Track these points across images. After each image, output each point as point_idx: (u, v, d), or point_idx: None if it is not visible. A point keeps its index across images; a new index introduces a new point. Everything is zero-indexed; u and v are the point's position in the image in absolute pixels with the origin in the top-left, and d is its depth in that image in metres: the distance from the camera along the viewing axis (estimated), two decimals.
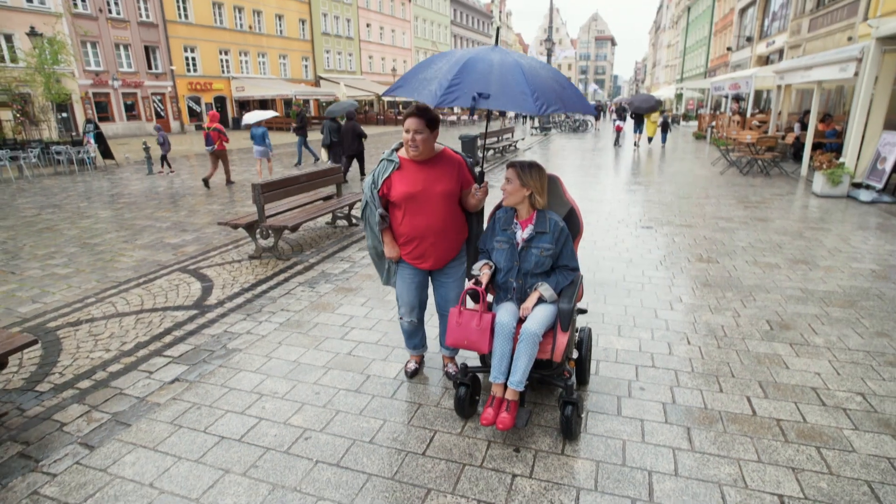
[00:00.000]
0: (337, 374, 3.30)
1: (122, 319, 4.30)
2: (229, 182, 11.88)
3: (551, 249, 2.50)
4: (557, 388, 2.90)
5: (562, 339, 2.39)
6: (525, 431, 2.61)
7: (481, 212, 2.93)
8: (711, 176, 12.00)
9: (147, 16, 28.30)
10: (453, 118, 39.81)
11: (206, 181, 11.47)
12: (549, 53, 31.33)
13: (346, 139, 11.26)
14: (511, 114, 45.28)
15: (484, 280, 2.53)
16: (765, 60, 24.40)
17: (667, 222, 7.32)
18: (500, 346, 2.39)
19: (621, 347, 3.50)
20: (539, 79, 2.42)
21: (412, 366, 3.23)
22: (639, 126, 18.83)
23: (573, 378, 2.64)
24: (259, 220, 5.89)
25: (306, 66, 39.18)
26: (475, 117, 38.74)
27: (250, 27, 34.20)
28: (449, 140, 20.15)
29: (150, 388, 3.20)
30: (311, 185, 6.78)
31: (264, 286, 5.04)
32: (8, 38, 22.45)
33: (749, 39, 27.68)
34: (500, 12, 75.69)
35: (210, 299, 4.73)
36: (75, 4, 25.07)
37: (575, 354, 2.67)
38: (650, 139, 19.76)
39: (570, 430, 2.42)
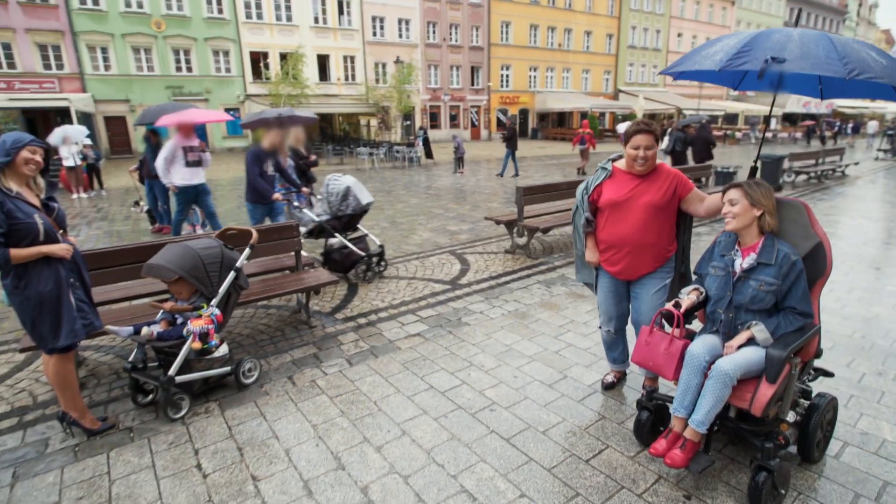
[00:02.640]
0: (538, 366, 3.53)
1: (399, 282, 5.49)
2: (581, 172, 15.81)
3: (774, 285, 2.14)
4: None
5: (765, 390, 2.03)
6: (705, 482, 2.32)
7: (689, 234, 2.80)
8: None
9: (477, 41, 33.35)
10: (741, 134, 33.31)
11: (579, 170, 16.02)
12: None
13: (696, 146, 11.70)
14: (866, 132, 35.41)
15: (685, 304, 2.35)
16: None
17: None
18: (686, 377, 2.20)
19: (891, 439, 2.62)
20: (852, 49, 2.24)
21: (610, 378, 3.20)
22: None
23: (790, 447, 2.21)
24: (517, 220, 6.52)
25: (607, 80, 39.35)
26: (797, 135, 31.72)
27: (559, 45, 36.40)
28: (740, 160, 17.10)
29: (399, 335, 4.09)
30: (570, 192, 7.05)
31: (508, 278, 5.59)
32: (382, 66, 29.97)
33: None
34: (860, 6, 58.95)
35: (463, 280, 5.55)
36: (428, 36, 31.55)
37: (791, 418, 2.19)
38: None
39: (757, 501, 2.05)
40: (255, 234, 3.51)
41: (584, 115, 34.94)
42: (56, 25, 21.79)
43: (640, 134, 2.58)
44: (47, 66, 21.93)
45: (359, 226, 5.70)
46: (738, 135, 33.86)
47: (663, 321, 2.38)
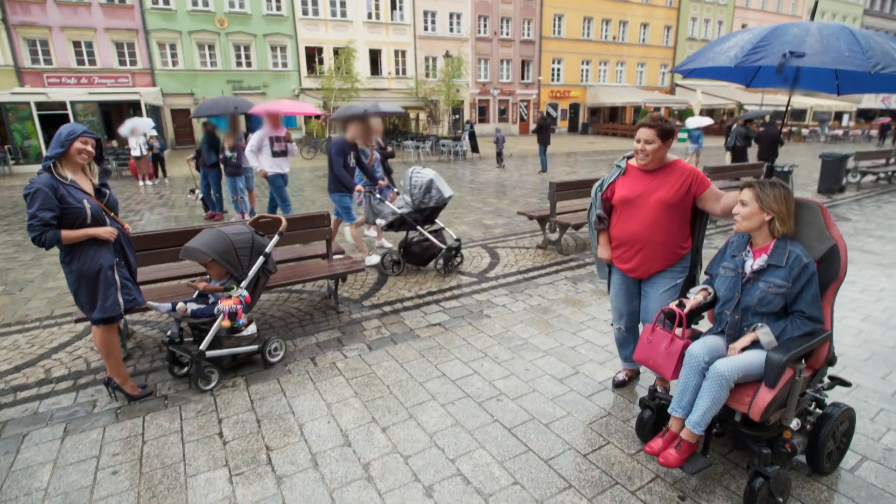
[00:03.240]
0: (551, 360, 3.54)
1: (427, 273, 5.61)
2: None
3: (784, 288, 2.07)
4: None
5: (764, 395, 1.98)
6: (703, 485, 2.29)
7: (703, 234, 2.76)
8: None
9: (528, 34, 32.89)
10: (807, 131, 30.71)
11: None
12: None
13: (762, 143, 11.32)
14: None
15: (689, 304, 2.32)
16: None
17: None
18: (684, 377, 2.17)
19: None
20: (875, 42, 2.19)
21: (621, 377, 3.18)
22: None
23: (796, 457, 2.15)
24: (550, 215, 6.48)
25: (663, 74, 37.81)
26: (872, 133, 29.23)
27: (614, 38, 35.28)
28: (803, 159, 15.74)
29: (420, 324, 4.21)
30: None
31: (536, 273, 5.59)
32: (433, 60, 30.14)
33: None
34: None
35: (491, 273, 5.60)
36: (479, 30, 31.40)
37: (794, 425, 2.11)
38: None
39: None
40: (284, 223, 3.71)
41: (637, 109, 33.86)
42: (131, 24, 23.38)
43: (643, 127, 2.58)
44: (122, 63, 23.61)
45: (436, 219, 5.75)
46: (805, 132, 31.68)
47: (666, 320, 2.36)
